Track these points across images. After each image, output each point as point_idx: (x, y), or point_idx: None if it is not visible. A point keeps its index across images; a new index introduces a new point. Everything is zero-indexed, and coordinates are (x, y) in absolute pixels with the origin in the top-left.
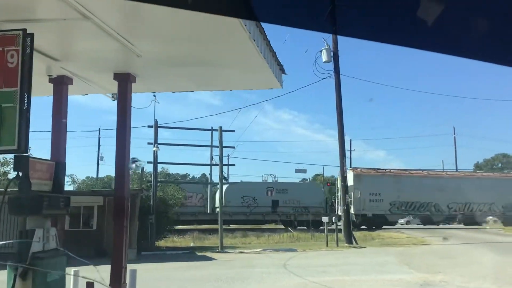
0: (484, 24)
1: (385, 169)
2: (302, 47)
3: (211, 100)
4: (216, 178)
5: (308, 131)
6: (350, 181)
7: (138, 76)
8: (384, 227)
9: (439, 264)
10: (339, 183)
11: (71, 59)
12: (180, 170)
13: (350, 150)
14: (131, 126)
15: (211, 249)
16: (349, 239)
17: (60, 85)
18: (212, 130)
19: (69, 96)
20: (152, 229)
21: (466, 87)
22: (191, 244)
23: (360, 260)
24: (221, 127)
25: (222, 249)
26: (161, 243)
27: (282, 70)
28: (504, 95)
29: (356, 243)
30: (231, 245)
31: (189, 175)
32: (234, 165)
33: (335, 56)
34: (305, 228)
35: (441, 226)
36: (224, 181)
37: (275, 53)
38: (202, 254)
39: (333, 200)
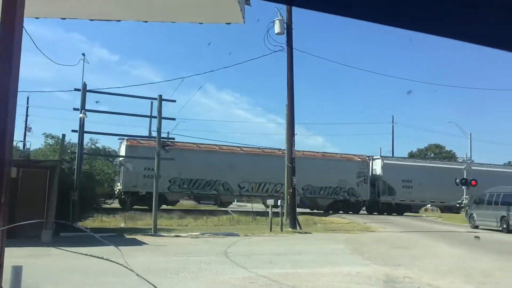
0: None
1: (169, 141)
2: (253, 19)
3: (153, 77)
4: None
5: (250, 113)
6: (123, 153)
7: None
8: (163, 207)
9: (395, 255)
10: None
11: None
12: (117, 146)
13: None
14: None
15: (144, 231)
16: (294, 224)
17: None
18: (151, 98)
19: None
20: (75, 207)
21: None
22: (122, 225)
23: (309, 248)
24: (160, 95)
25: (156, 231)
26: (87, 223)
27: None
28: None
29: (300, 228)
30: (166, 227)
31: None
32: (173, 139)
33: (288, 29)
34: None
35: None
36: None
37: None
38: (132, 237)
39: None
